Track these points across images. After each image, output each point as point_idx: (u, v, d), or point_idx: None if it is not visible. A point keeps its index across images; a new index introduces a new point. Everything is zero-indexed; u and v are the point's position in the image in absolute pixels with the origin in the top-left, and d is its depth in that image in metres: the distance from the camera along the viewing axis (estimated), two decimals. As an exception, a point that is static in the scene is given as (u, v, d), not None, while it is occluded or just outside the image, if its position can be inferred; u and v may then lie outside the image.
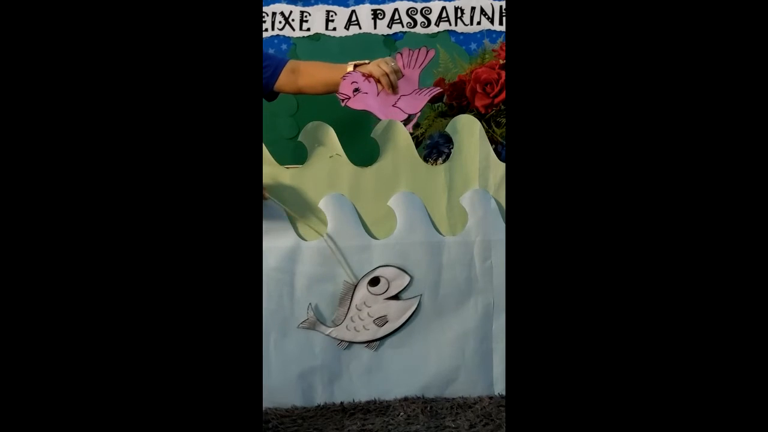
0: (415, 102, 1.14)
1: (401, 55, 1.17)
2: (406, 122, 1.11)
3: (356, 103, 1.14)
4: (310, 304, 1.01)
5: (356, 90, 1.14)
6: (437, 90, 1.16)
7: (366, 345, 1.03)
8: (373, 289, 1.01)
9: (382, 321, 1.02)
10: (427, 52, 1.16)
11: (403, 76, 1.16)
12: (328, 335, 1.02)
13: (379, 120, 1.11)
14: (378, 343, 1.03)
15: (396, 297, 1.02)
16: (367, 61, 1.19)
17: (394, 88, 1.14)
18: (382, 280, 1.01)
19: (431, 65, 1.23)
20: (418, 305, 1.02)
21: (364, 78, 1.14)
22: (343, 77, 1.16)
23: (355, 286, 1.01)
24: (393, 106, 1.14)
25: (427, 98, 1.14)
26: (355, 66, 1.19)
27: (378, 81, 1.14)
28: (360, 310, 1.02)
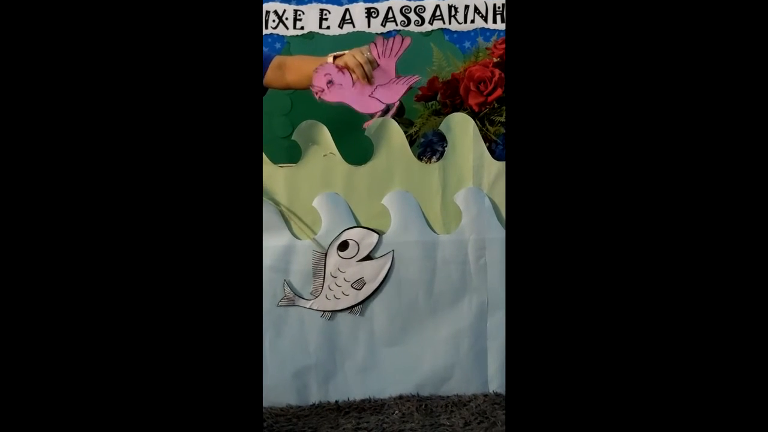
0: (393, 91, 1.12)
1: (375, 44, 1.14)
2: (384, 112, 1.09)
3: (331, 96, 1.11)
4: (285, 280, 1.01)
5: (330, 82, 1.12)
6: (415, 78, 1.13)
7: (349, 311, 1.02)
8: (343, 254, 1.01)
9: (359, 284, 1.01)
10: (402, 40, 1.13)
11: (378, 66, 1.13)
12: (309, 308, 1.01)
13: (357, 112, 1.10)
14: (361, 307, 1.02)
15: (368, 257, 1.02)
16: (346, 51, 1.17)
17: (369, 79, 1.12)
18: (351, 243, 1.01)
19: (425, 63, 1.23)
20: (393, 261, 1.01)
21: (337, 70, 1.12)
22: (316, 70, 1.13)
23: (326, 254, 1.01)
24: (369, 96, 1.12)
25: (406, 87, 1.12)
26: (335, 57, 1.17)
27: (353, 71, 1.12)
28: (335, 277, 1.01)
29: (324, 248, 1.01)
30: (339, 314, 1.02)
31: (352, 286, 1.01)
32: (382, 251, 1.02)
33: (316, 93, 1.13)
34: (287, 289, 1.01)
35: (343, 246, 1.01)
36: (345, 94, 1.12)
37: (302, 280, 1.02)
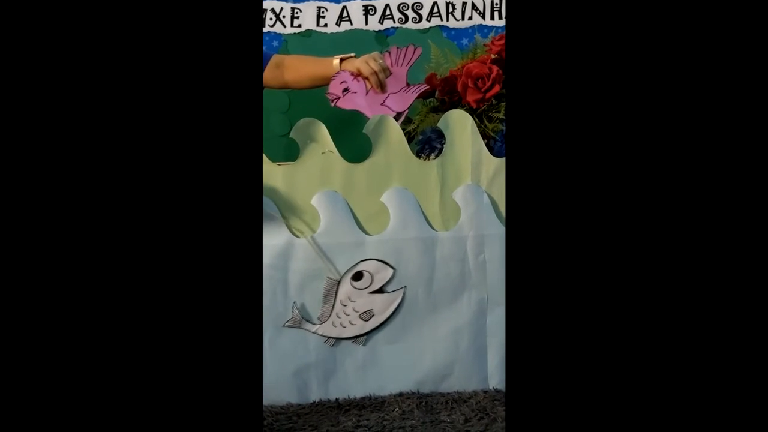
0: (404, 100, 1.14)
1: (389, 53, 1.17)
2: (395, 120, 1.11)
3: (346, 103, 1.14)
4: (294, 302, 1.01)
5: (345, 90, 1.14)
6: (425, 87, 1.16)
7: (353, 340, 1.03)
8: (356, 284, 1.01)
9: (368, 315, 1.02)
10: (415, 49, 1.16)
11: (391, 74, 1.16)
12: (314, 333, 1.02)
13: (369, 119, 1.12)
14: (365, 337, 1.03)
15: (380, 290, 1.02)
16: (353, 54, 1.19)
17: (382, 87, 1.15)
18: (366, 274, 1.01)
19: (423, 60, 1.23)
20: (404, 298, 1.02)
21: (353, 77, 1.14)
22: (333, 77, 1.16)
23: (339, 281, 1.01)
24: (381, 104, 1.14)
25: (415, 95, 1.14)
26: (342, 60, 1.19)
27: (367, 79, 1.14)
28: (345, 305, 1.01)
29: (338, 275, 1.01)
30: (342, 342, 1.03)
31: (360, 317, 1.02)
32: (394, 287, 1.02)
33: (332, 101, 1.15)
34: (295, 312, 1.01)
35: (358, 276, 1.01)
36: (358, 102, 1.14)
37: (301, 279, 1.01)
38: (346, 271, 1.01)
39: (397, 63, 1.16)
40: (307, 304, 1.02)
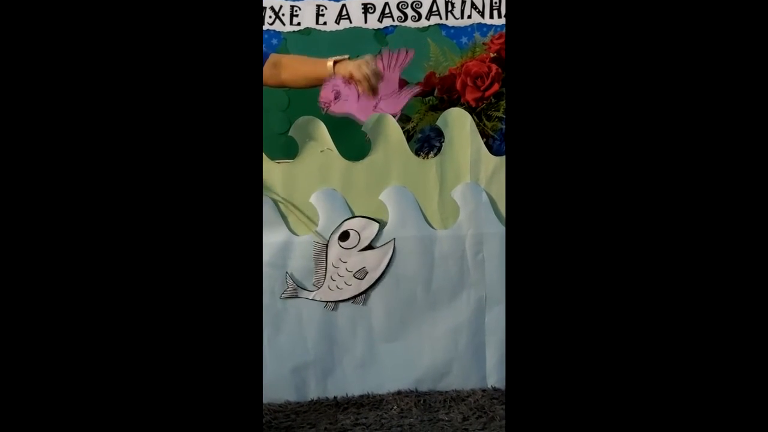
0: (395, 103, 1.14)
1: (381, 57, 1.16)
2: None
3: (337, 108, 1.14)
4: (287, 272, 1.01)
5: (337, 96, 1.14)
6: (417, 89, 1.16)
7: (352, 301, 1.02)
8: (344, 244, 1.01)
9: (362, 273, 1.02)
10: (407, 53, 1.16)
11: (383, 78, 1.15)
12: (312, 299, 1.02)
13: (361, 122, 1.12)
14: (364, 296, 1.02)
15: (370, 246, 1.02)
16: (347, 56, 1.19)
17: (374, 91, 1.14)
18: (352, 233, 1.01)
19: (422, 59, 1.23)
20: (395, 251, 1.02)
21: (344, 83, 1.15)
22: (324, 83, 1.16)
23: (326, 245, 1.01)
24: (374, 108, 1.14)
25: (407, 98, 1.14)
26: (335, 62, 1.19)
27: (359, 84, 1.14)
28: (337, 267, 1.01)
29: (325, 239, 1.01)
30: (340, 307, 1.02)
31: (354, 276, 1.01)
32: (383, 242, 1.02)
33: (324, 106, 1.15)
34: (290, 281, 1.01)
35: (344, 236, 1.01)
36: (351, 106, 1.14)
37: (300, 276, 1.02)
38: (332, 233, 1.01)
39: (388, 67, 1.16)
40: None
